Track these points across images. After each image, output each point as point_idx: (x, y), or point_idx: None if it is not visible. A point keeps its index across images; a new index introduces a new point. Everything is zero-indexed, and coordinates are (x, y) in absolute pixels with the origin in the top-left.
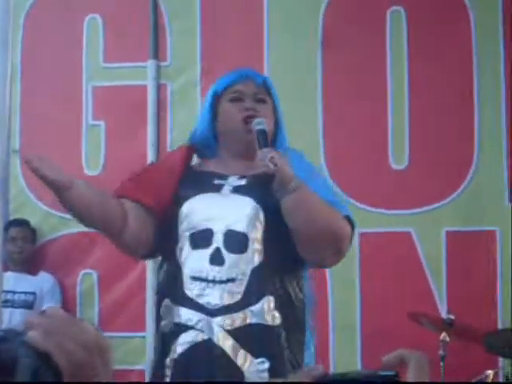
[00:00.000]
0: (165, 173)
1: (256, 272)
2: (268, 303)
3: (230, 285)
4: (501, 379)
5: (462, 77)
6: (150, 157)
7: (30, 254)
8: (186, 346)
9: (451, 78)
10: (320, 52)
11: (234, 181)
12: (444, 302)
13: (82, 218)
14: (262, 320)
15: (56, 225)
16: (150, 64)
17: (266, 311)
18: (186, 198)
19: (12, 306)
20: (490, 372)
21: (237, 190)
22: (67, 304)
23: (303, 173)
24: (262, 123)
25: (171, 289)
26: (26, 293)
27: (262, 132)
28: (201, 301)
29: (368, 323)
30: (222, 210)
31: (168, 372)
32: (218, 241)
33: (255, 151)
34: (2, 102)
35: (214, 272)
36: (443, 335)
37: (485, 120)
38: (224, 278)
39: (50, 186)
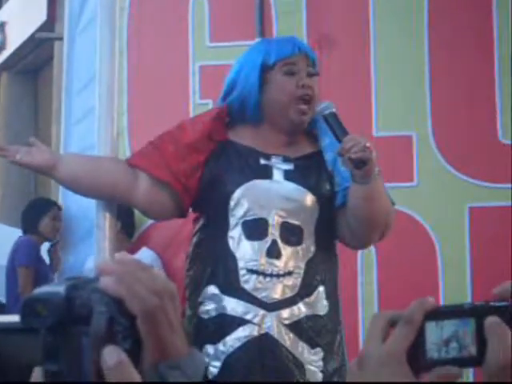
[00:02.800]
0: (191, 143)
1: (310, 264)
2: (320, 294)
3: (287, 278)
4: None
5: None
6: None
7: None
8: (243, 341)
9: None
10: (426, 31)
11: (280, 163)
12: None
13: (73, 189)
14: (315, 311)
15: None
16: None
17: (319, 302)
18: (238, 183)
19: None
20: None
21: (289, 176)
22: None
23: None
24: (330, 107)
25: (221, 277)
26: None
27: (335, 116)
28: (258, 295)
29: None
30: (278, 201)
31: (215, 363)
32: (274, 233)
33: (300, 133)
34: (111, 82)
35: (272, 266)
36: None
37: None
38: (281, 272)
39: (35, 170)
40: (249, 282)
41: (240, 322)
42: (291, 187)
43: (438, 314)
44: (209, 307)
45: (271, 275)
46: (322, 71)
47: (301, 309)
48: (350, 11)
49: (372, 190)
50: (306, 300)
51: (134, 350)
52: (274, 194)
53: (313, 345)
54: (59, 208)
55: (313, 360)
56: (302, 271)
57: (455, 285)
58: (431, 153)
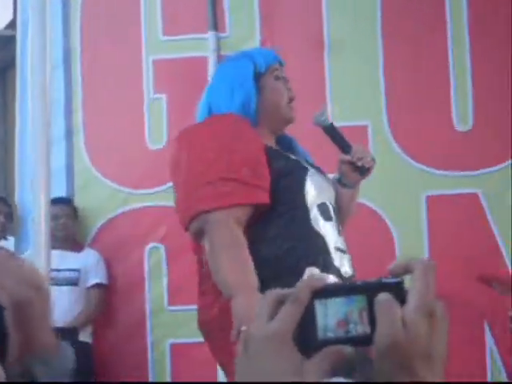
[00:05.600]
0: (257, 150)
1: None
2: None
3: (348, 255)
4: None
5: None
6: None
7: (73, 231)
8: None
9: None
10: (379, 21)
11: (294, 157)
12: None
13: None
14: None
15: (121, 200)
16: (210, 36)
17: None
18: (304, 170)
19: (57, 284)
20: None
21: (313, 168)
22: (135, 278)
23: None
24: (326, 115)
25: (318, 257)
26: (70, 270)
27: (334, 126)
28: (342, 271)
29: (437, 287)
30: (327, 187)
31: None
32: (333, 214)
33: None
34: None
35: (342, 243)
36: None
37: None
38: (345, 249)
39: None
40: (337, 260)
41: None
42: (322, 177)
43: (328, 292)
44: None
45: (344, 252)
46: None
47: None
48: (302, 4)
49: (357, 193)
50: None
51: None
52: (322, 182)
53: None
54: (5, 202)
55: None
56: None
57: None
58: (387, 142)
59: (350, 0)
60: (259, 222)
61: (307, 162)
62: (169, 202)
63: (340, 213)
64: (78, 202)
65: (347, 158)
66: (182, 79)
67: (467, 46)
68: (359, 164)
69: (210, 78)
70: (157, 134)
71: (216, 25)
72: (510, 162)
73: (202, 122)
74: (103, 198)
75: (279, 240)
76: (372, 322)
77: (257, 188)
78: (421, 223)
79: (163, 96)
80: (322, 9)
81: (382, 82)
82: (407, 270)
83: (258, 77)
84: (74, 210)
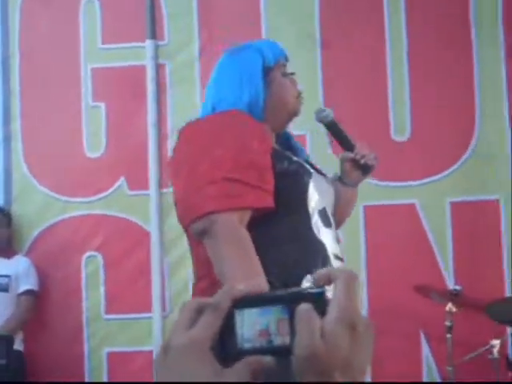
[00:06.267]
0: (263, 152)
1: None
2: None
3: (344, 263)
4: (509, 348)
5: (461, 47)
6: (151, 137)
7: (4, 237)
8: None
9: (451, 49)
10: (318, 28)
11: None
12: (451, 273)
13: None
14: None
15: (59, 209)
16: (148, 44)
17: None
18: (308, 174)
19: None
20: (496, 342)
21: (314, 169)
22: (72, 287)
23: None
24: (331, 113)
25: (318, 265)
26: (1, 276)
27: (337, 123)
28: None
29: (374, 297)
30: (326, 191)
31: None
32: (332, 222)
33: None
34: None
35: (340, 250)
36: (449, 306)
37: (485, 90)
38: (342, 257)
39: None
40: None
41: None
42: (322, 179)
43: (249, 301)
44: None
45: (341, 259)
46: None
47: None
48: (241, 11)
49: (356, 194)
50: None
51: None
52: (323, 185)
53: None
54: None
55: None
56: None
57: (439, 276)
58: (325, 150)
59: (291, 10)
60: (261, 225)
61: (307, 162)
62: (106, 210)
63: (337, 214)
64: (15, 209)
65: (350, 155)
66: (121, 88)
67: (405, 57)
68: (362, 162)
69: (148, 87)
70: (95, 142)
71: (154, 33)
72: (446, 172)
73: (209, 117)
74: (40, 206)
75: (284, 245)
76: (293, 332)
77: (263, 191)
78: (359, 233)
79: (102, 104)
80: (261, 14)
81: (321, 92)
82: (329, 280)
83: (266, 71)
84: (8, 218)
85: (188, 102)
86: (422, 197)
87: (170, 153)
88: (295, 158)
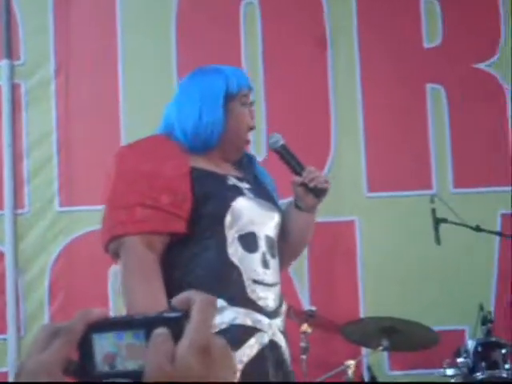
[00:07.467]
0: (179, 177)
1: (280, 276)
2: (284, 306)
3: (276, 288)
4: (364, 369)
5: (316, 71)
6: (7, 157)
7: None
8: (257, 348)
9: (305, 72)
10: (174, 45)
11: (240, 183)
12: (306, 294)
13: None
14: (284, 320)
15: None
16: (4, 64)
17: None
18: (230, 199)
19: None
20: (351, 362)
21: (256, 194)
22: None
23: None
24: (280, 139)
25: (228, 290)
26: None
27: (287, 148)
28: (262, 304)
29: None
30: (260, 216)
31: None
32: (262, 245)
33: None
34: None
35: (267, 276)
36: (305, 327)
37: (341, 111)
38: (272, 282)
39: None
40: (254, 292)
41: (251, 331)
42: (264, 203)
43: (106, 324)
44: (218, 321)
45: (268, 285)
46: (69, 90)
47: (282, 317)
48: (95, 29)
49: (313, 218)
50: (283, 309)
51: None
52: (256, 210)
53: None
54: None
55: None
56: (279, 282)
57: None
58: None
59: (147, 27)
60: (176, 246)
61: (257, 183)
62: None
63: (290, 239)
64: None
65: (299, 179)
66: None
67: (261, 82)
68: (311, 185)
69: (3, 107)
70: None
71: (10, 52)
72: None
73: (135, 142)
74: None
75: (191, 266)
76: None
77: (173, 216)
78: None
79: None
80: (117, 33)
81: (264, 109)
82: (188, 303)
83: (228, 98)
84: None
85: (43, 121)
86: (361, 214)
87: (25, 173)
88: (231, 182)
